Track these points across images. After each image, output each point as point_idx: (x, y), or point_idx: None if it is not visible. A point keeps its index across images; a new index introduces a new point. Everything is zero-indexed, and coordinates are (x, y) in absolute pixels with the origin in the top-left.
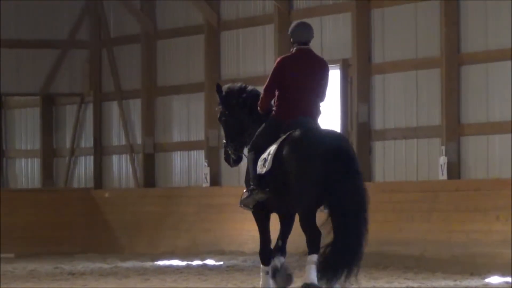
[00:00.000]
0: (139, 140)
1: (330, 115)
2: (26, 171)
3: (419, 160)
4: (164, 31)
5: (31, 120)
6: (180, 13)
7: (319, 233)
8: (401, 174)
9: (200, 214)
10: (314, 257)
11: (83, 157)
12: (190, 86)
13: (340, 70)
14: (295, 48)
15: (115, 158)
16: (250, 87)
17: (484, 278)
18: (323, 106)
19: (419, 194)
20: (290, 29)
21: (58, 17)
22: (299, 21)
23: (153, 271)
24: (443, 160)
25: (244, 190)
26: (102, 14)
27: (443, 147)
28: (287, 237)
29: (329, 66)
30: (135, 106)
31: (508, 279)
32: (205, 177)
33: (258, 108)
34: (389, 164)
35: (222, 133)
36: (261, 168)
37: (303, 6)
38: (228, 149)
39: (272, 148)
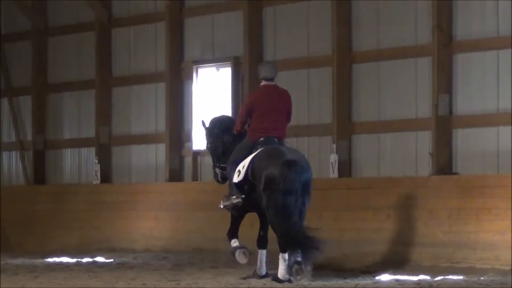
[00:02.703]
0: (29, 137)
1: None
2: None
3: (310, 158)
4: (55, 28)
5: None
6: (71, 10)
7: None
8: None
9: (91, 211)
10: (285, 255)
11: None
12: (81, 83)
13: (232, 68)
14: (262, 84)
15: (5, 155)
16: (226, 117)
17: (374, 276)
18: (288, 126)
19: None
20: (258, 68)
21: None
22: (265, 60)
23: (43, 268)
24: (334, 158)
25: (224, 195)
26: None
27: (334, 145)
28: (267, 229)
29: (289, 95)
30: (26, 103)
31: (398, 277)
32: (96, 174)
33: (234, 130)
34: None
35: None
36: (236, 178)
37: (195, 4)
38: (215, 169)
39: (246, 162)
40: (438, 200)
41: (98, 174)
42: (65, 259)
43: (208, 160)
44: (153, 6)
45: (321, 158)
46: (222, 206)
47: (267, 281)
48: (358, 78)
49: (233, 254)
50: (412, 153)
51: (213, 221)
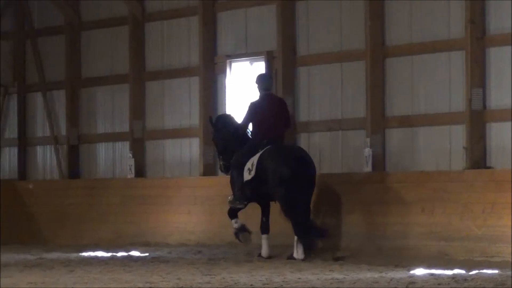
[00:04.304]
0: (63, 131)
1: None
2: None
3: (344, 152)
4: (88, 23)
5: None
6: (104, 5)
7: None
8: (326, 166)
9: (124, 205)
10: (296, 238)
11: (7, 148)
12: (115, 78)
13: (265, 63)
14: (261, 94)
15: (39, 149)
16: (228, 114)
17: (409, 270)
18: (287, 130)
19: (344, 186)
20: (255, 79)
21: None
22: (261, 73)
23: (78, 262)
24: (367, 152)
25: (230, 198)
26: (26, 5)
27: (368, 139)
28: (268, 216)
29: (283, 99)
30: (60, 97)
31: (433, 271)
32: (130, 169)
33: (240, 131)
34: (314, 156)
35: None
36: (248, 176)
37: None
38: (220, 162)
39: (255, 160)
40: (472, 194)
41: (132, 168)
42: (99, 253)
43: None
44: (186, 1)
45: (355, 152)
46: (228, 203)
47: (302, 275)
48: (392, 72)
49: (237, 236)
50: (446, 147)
51: (247, 215)
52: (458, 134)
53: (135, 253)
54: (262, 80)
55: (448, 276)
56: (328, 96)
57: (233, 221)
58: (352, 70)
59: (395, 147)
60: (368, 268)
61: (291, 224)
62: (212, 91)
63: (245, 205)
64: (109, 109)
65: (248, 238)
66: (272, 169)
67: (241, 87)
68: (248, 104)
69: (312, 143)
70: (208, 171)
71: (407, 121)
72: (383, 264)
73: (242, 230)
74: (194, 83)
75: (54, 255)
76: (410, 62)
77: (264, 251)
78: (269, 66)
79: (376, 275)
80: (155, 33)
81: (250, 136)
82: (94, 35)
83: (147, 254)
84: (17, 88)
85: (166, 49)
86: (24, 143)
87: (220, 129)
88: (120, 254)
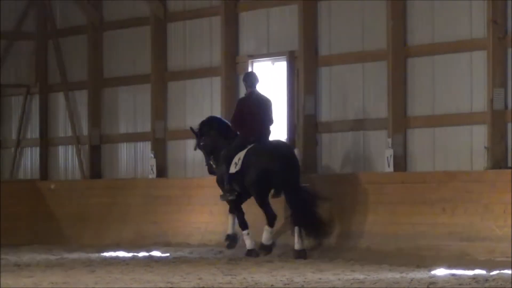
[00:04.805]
0: (85, 132)
1: (277, 108)
2: None
3: (365, 153)
4: (110, 23)
5: None
6: (126, 5)
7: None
8: (347, 166)
9: (146, 205)
10: (268, 228)
11: (29, 148)
12: (137, 78)
13: (287, 62)
14: (248, 91)
15: (61, 149)
16: (216, 118)
17: (430, 271)
18: (272, 127)
19: (366, 186)
20: (243, 77)
21: (3, 8)
22: (248, 71)
23: (99, 263)
24: (389, 152)
25: (221, 193)
26: (48, 5)
27: (390, 140)
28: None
29: (272, 101)
30: (81, 98)
31: (454, 271)
32: (152, 169)
33: (233, 128)
34: (335, 156)
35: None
36: (233, 169)
37: None
38: (210, 162)
39: (241, 155)
40: (494, 194)
41: (154, 168)
42: (121, 254)
43: None
44: (208, 1)
45: (377, 153)
46: (222, 199)
47: (323, 275)
48: (413, 72)
49: (231, 246)
50: (467, 147)
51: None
52: (480, 134)
53: (156, 253)
54: (248, 78)
55: (469, 277)
56: (350, 96)
57: (245, 232)
58: (373, 70)
59: (416, 147)
60: (389, 268)
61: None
62: (234, 91)
63: (236, 196)
64: (131, 109)
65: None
66: (258, 164)
67: (262, 87)
68: (237, 101)
69: (334, 143)
70: None
71: (429, 121)
72: (404, 264)
73: (251, 252)
74: (216, 83)
75: (76, 255)
76: (432, 62)
77: (248, 244)
78: (291, 66)
79: (397, 275)
80: (177, 33)
81: (237, 133)
82: (116, 35)
83: (168, 254)
84: (39, 88)
85: (188, 49)
86: (46, 143)
87: (207, 132)
88: (141, 254)
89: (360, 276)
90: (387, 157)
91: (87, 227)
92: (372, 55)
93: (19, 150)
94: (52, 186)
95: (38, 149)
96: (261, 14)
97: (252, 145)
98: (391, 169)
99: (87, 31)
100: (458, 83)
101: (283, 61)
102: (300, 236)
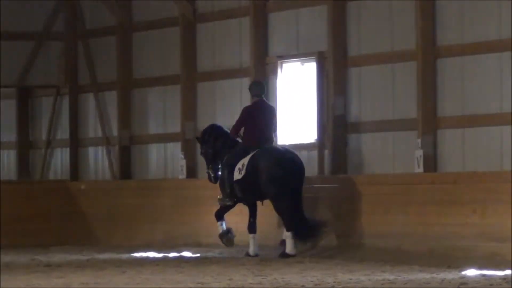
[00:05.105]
0: (115, 132)
1: (306, 109)
2: (2, 163)
3: (395, 153)
4: (139, 23)
5: (7, 112)
6: (155, 5)
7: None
8: (377, 167)
9: (176, 206)
10: (288, 234)
11: (59, 149)
12: (166, 79)
13: (316, 63)
14: (254, 100)
15: (91, 150)
16: (217, 126)
17: (460, 271)
18: (275, 135)
19: (395, 187)
20: (249, 87)
21: (33, 9)
22: (254, 80)
23: (130, 263)
24: (419, 153)
25: (219, 196)
26: (78, 6)
27: (419, 140)
28: (255, 216)
29: (272, 105)
30: (111, 98)
31: (484, 272)
32: (182, 169)
33: (231, 134)
34: (365, 157)
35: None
36: (238, 175)
37: None
38: (209, 171)
39: (245, 161)
40: None
41: (184, 169)
42: (151, 254)
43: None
44: (237, 1)
45: (406, 153)
46: (218, 202)
47: (353, 276)
48: (443, 72)
49: (221, 239)
50: (497, 147)
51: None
52: (509, 135)
53: (186, 253)
54: (254, 87)
55: (500, 277)
56: (379, 97)
57: (219, 223)
58: (403, 70)
59: (446, 147)
60: (420, 269)
61: (283, 220)
62: None
63: (234, 203)
64: (161, 110)
65: (231, 242)
66: (262, 169)
67: (292, 88)
68: (242, 109)
69: (363, 144)
70: None
71: (458, 122)
72: (435, 265)
73: (226, 234)
74: (245, 84)
75: (106, 255)
76: (461, 62)
77: (252, 250)
78: (320, 67)
79: (427, 276)
80: (207, 34)
81: (239, 140)
82: (145, 36)
83: (198, 254)
84: (69, 89)
85: (217, 49)
86: (76, 144)
87: (208, 140)
88: (171, 254)
89: (390, 276)
90: (417, 158)
91: (117, 227)
92: (401, 55)
93: (49, 151)
94: (83, 187)
95: (68, 149)
96: (290, 15)
97: (255, 151)
98: (421, 169)
99: (117, 32)
100: (487, 83)
101: (313, 61)
102: (293, 241)
